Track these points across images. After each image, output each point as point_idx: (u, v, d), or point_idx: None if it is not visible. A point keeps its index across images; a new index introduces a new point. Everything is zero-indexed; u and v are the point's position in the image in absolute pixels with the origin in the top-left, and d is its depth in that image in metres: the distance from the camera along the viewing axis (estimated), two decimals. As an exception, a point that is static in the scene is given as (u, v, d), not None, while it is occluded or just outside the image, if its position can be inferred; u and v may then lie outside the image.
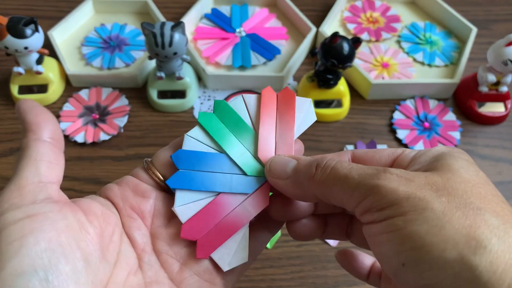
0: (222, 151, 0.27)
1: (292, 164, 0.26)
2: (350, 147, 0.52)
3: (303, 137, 0.53)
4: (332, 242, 0.45)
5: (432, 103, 0.57)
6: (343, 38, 0.49)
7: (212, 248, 0.25)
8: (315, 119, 0.29)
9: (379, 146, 0.52)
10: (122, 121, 0.53)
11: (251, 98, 0.28)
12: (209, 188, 0.26)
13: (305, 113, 0.29)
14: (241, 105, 0.28)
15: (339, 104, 0.55)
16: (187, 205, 0.26)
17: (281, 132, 0.28)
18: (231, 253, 0.26)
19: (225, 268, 0.25)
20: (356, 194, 0.21)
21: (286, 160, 0.26)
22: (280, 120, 0.28)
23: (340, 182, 0.22)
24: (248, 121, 0.28)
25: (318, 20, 0.63)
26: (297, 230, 0.28)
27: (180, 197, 0.26)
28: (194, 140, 0.27)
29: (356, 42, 0.49)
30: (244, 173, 0.27)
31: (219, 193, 0.26)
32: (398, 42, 0.63)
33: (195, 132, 0.27)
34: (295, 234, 0.28)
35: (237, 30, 0.62)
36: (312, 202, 0.27)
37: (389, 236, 0.20)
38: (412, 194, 0.20)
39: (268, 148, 0.27)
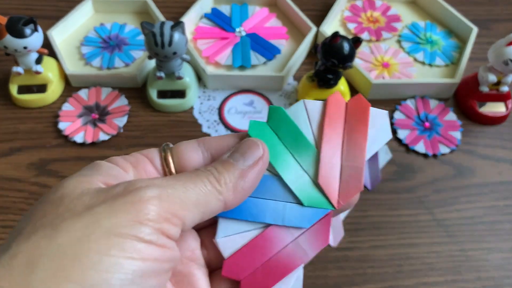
0: (275, 172, 0.23)
1: None
2: None
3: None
4: (332, 242, 0.45)
5: (433, 103, 0.57)
6: (344, 37, 0.49)
7: None
8: (390, 136, 0.24)
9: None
10: (121, 121, 0.53)
11: (314, 105, 0.23)
12: (258, 218, 0.22)
13: (379, 129, 0.24)
14: (302, 114, 0.23)
15: (339, 104, 0.55)
16: (231, 236, 0.22)
17: (349, 153, 0.23)
18: None
19: None
20: None
21: None
22: (349, 137, 0.23)
23: None
24: (309, 135, 0.23)
25: (318, 19, 0.63)
26: None
27: (224, 226, 0.23)
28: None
29: (356, 41, 0.49)
30: (300, 203, 0.23)
31: (269, 225, 0.23)
32: (399, 41, 0.63)
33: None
34: None
35: (237, 29, 0.61)
36: None
37: None
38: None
39: (332, 172, 0.23)
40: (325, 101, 0.23)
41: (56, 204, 0.19)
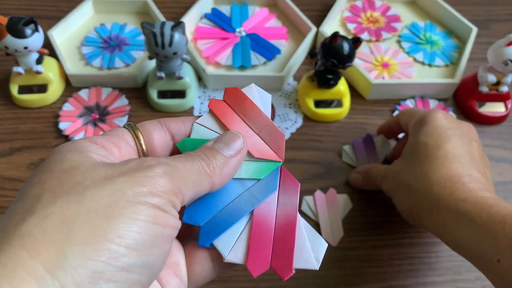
0: None
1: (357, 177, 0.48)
2: (346, 147, 0.52)
3: (303, 137, 0.53)
4: (332, 242, 0.45)
5: (432, 103, 0.57)
6: (343, 38, 0.49)
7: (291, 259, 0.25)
8: (269, 96, 0.28)
9: (376, 139, 0.52)
10: (122, 121, 0.53)
11: (204, 120, 0.27)
12: (240, 216, 0.25)
13: (259, 97, 0.28)
14: (203, 129, 0.27)
15: (339, 104, 0.55)
16: (234, 247, 0.25)
17: (255, 123, 0.27)
18: (309, 250, 0.25)
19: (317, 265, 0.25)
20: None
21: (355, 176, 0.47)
22: (246, 116, 0.27)
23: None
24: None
25: (318, 20, 0.63)
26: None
27: (222, 246, 0.25)
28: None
29: (356, 42, 0.49)
30: (258, 179, 0.26)
31: (251, 212, 0.25)
32: (398, 42, 0.63)
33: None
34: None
35: (237, 30, 0.62)
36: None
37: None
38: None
39: (258, 145, 0.27)
40: (209, 110, 0.28)
41: (70, 174, 0.20)
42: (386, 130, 0.51)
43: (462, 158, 0.38)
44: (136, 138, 0.25)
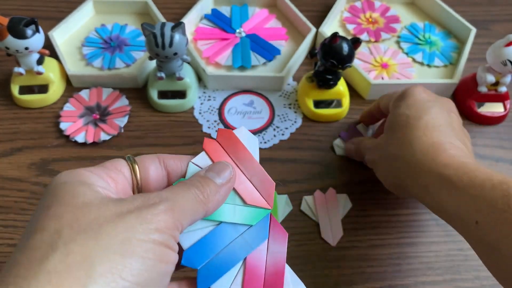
0: (217, 222, 0.28)
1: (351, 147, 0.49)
2: (337, 141, 0.53)
3: (303, 137, 0.54)
4: (332, 242, 0.45)
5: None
6: (343, 38, 0.49)
7: None
8: (256, 139, 0.30)
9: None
10: (122, 121, 0.53)
11: (199, 160, 0.29)
12: (235, 261, 0.27)
13: (247, 140, 0.30)
14: (195, 169, 0.28)
15: (338, 104, 0.55)
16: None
17: (248, 169, 0.29)
18: None
19: None
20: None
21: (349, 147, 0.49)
22: (238, 160, 0.29)
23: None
24: None
25: (318, 20, 0.63)
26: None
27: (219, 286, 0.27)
28: (188, 234, 0.27)
29: (355, 42, 0.49)
30: (250, 225, 0.28)
31: (245, 258, 0.27)
32: (398, 42, 0.63)
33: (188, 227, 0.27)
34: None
35: (237, 30, 0.62)
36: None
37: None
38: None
39: (250, 191, 0.29)
40: (204, 150, 0.29)
41: (84, 210, 0.22)
42: (368, 117, 0.52)
43: (442, 128, 0.39)
44: (133, 172, 0.26)
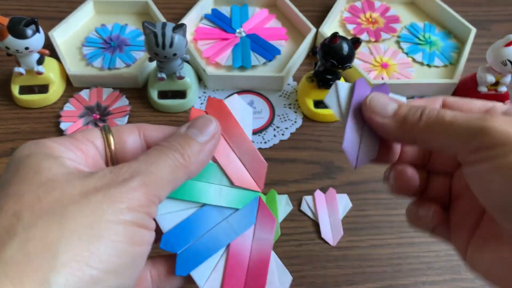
0: (201, 204, 0.25)
1: (393, 106, 0.26)
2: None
3: (303, 137, 0.54)
4: (332, 242, 0.46)
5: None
6: (343, 38, 0.49)
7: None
8: (250, 110, 0.27)
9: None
10: (122, 121, 0.53)
11: None
12: (218, 247, 0.25)
13: (240, 111, 0.27)
14: None
15: (338, 104, 0.55)
16: (210, 277, 0.25)
17: (238, 147, 0.26)
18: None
19: None
20: (463, 136, 0.22)
21: (386, 99, 0.27)
22: (228, 135, 0.26)
23: (446, 127, 0.23)
24: None
25: (318, 20, 0.63)
26: (403, 176, 0.28)
27: (199, 276, 0.25)
28: (168, 215, 0.25)
29: (355, 42, 0.49)
30: (236, 209, 0.26)
31: (229, 244, 0.25)
32: (398, 42, 0.64)
33: (164, 207, 0.25)
34: (400, 182, 0.28)
35: (237, 30, 0.62)
36: (408, 144, 0.28)
37: (501, 172, 0.20)
38: None
39: (239, 171, 0.26)
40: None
41: (48, 188, 0.19)
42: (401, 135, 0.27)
43: None
44: (107, 143, 0.24)
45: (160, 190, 0.21)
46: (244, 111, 0.27)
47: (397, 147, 0.28)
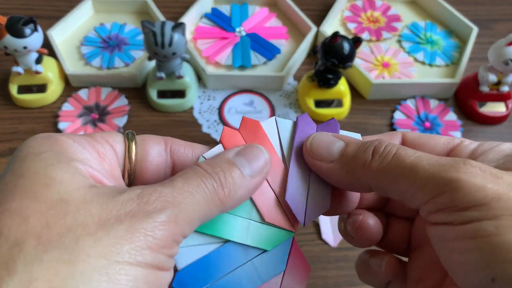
0: (224, 240, 0.21)
1: (339, 145, 0.21)
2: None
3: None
4: (332, 242, 0.45)
5: (433, 103, 0.57)
6: (344, 37, 0.49)
7: None
8: (290, 122, 0.24)
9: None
10: (121, 121, 0.53)
11: (213, 153, 0.22)
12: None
13: (281, 130, 0.23)
14: None
15: (339, 104, 0.55)
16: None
17: (273, 178, 0.22)
18: None
19: None
20: (427, 188, 0.18)
21: (330, 139, 0.21)
22: None
23: (406, 172, 0.18)
24: None
25: (319, 19, 0.63)
26: (364, 227, 0.23)
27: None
28: (186, 249, 0.21)
29: (356, 41, 0.49)
30: (264, 250, 0.22)
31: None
32: (399, 41, 0.63)
33: (187, 240, 0.21)
34: (361, 234, 0.23)
35: (237, 29, 0.61)
36: (360, 191, 0.23)
37: (475, 243, 0.16)
38: (504, 194, 0.17)
39: (271, 205, 0.22)
40: (221, 142, 0.23)
41: (59, 211, 0.16)
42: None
43: None
44: (128, 151, 0.21)
45: (188, 228, 0.18)
46: (284, 128, 0.23)
47: (355, 194, 0.23)
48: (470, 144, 0.21)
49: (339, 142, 0.22)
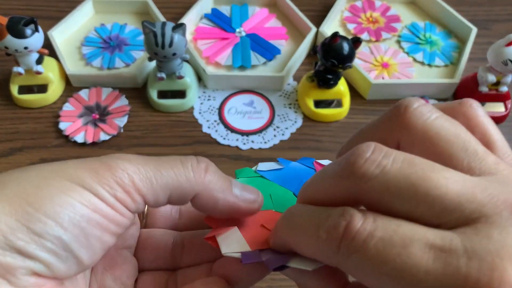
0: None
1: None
2: None
3: (303, 137, 0.53)
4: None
5: (432, 103, 0.57)
6: (343, 38, 0.49)
7: None
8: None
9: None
10: (122, 121, 0.53)
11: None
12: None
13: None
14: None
15: (339, 104, 0.55)
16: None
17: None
18: None
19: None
20: None
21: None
22: None
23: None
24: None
25: (318, 20, 0.63)
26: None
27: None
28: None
29: (356, 42, 0.49)
30: None
31: None
32: (398, 42, 0.63)
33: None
34: None
35: (237, 30, 0.62)
36: None
37: None
38: None
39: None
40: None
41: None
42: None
43: None
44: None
45: (144, 188, 0.20)
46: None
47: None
48: None
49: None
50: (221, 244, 0.22)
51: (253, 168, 0.25)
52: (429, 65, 0.61)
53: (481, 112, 0.19)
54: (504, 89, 0.55)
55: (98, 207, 0.19)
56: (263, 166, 0.25)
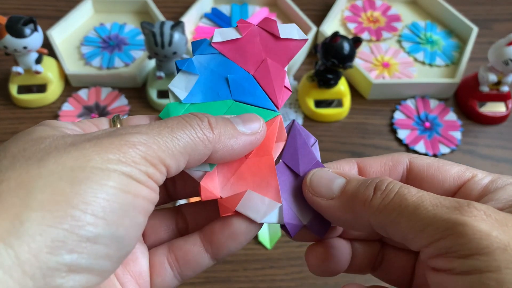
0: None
1: (340, 182, 0.21)
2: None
3: (303, 137, 0.53)
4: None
5: (433, 103, 0.57)
6: (344, 37, 0.49)
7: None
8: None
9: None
10: (121, 121, 0.53)
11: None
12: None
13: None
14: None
15: (339, 104, 0.55)
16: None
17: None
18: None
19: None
20: (429, 230, 0.17)
21: (331, 176, 0.21)
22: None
23: (408, 213, 0.18)
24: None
25: (319, 19, 0.63)
26: (321, 258, 0.23)
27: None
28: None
29: (356, 41, 0.49)
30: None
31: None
32: (399, 41, 0.63)
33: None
34: (318, 265, 0.23)
35: (237, 29, 0.61)
36: (363, 231, 0.22)
37: None
38: (509, 245, 0.16)
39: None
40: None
41: (36, 141, 0.18)
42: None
43: None
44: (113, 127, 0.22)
45: (167, 157, 0.18)
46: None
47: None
48: (483, 179, 0.20)
49: (340, 179, 0.21)
50: (248, 213, 0.21)
51: (209, 39, 0.24)
52: (430, 64, 0.60)
53: None
54: (505, 88, 0.55)
55: (134, 189, 0.18)
56: (219, 36, 0.24)
